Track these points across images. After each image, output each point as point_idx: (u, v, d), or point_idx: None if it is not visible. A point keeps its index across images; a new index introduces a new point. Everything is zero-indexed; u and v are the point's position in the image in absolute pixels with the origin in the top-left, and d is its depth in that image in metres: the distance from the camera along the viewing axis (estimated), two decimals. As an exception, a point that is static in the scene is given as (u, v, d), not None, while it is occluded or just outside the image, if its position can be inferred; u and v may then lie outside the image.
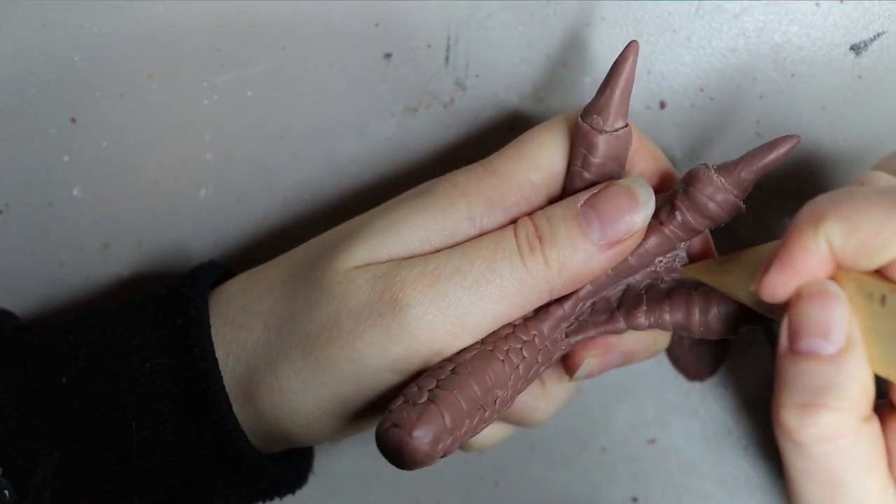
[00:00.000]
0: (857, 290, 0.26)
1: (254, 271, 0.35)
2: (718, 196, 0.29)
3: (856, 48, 0.38)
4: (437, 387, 0.29)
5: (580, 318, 0.32)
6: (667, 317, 0.31)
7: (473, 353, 0.30)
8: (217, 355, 0.32)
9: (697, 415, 0.41)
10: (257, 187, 0.41)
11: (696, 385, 0.41)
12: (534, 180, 0.31)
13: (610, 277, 0.31)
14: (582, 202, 0.30)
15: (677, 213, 0.30)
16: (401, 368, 0.30)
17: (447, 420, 0.28)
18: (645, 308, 0.31)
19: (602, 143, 0.30)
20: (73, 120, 0.40)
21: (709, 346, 0.40)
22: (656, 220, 0.30)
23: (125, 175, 0.40)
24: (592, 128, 0.30)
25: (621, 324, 0.32)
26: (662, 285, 0.32)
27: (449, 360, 0.30)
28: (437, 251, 0.31)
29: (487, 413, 0.30)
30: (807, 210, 0.26)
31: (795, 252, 0.26)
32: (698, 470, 0.41)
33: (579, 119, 0.30)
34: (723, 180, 0.29)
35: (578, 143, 0.31)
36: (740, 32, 0.38)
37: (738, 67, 0.38)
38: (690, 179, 0.30)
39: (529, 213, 0.31)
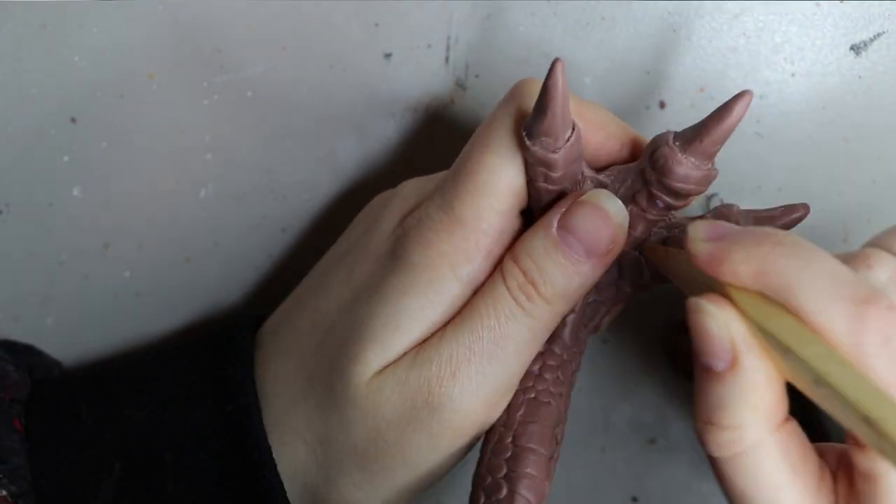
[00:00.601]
0: (762, 336, 0.25)
1: (267, 355, 0.34)
2: (692, 177, 0.29)
3: (856, 48, 0.38)
4: (509, 470, 0.30)
5: (589, 301, 0.32)
6: None
7: (522, 409, 0.31)
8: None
9: (697, 415, 0.41)
10: (257, 187, 0.41)
11: (696, 385, 0.41)
12: (499, 209, 0.30)
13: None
14: (556, 226, 0.30)
15: (657, 200, 0.30)
16: (454, 452, 0.31)
17: (532, 499, 0.29)
18: (648, 273, 0.32)
19: (560, 159, 0.29)
20: (73, 120, 0.40)
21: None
22: (638, 209, 0.30)
23: (125, 175, 0.40)
24: (546, 150, 0.29)
25: (628, 291, 0.32)
26: (654, 238, 0.32)
27: (504, 426, 0.31)
28: (444, 328, 0.30)
29: (556, 454, 0.31)
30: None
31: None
32: (698, 470, 0.41)
33: (529, 143, 0.29)
34: (692, 160, 0.29)
35: (535, 163, 0.30)
36: (740, 32, 0.38)
37: (738, 67, 0.38)
38: (660, 168, 0.29)
39: (508, 244, 0.31)
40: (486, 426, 0.31)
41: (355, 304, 0.32)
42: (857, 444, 0.25)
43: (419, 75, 0.39)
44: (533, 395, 0.31)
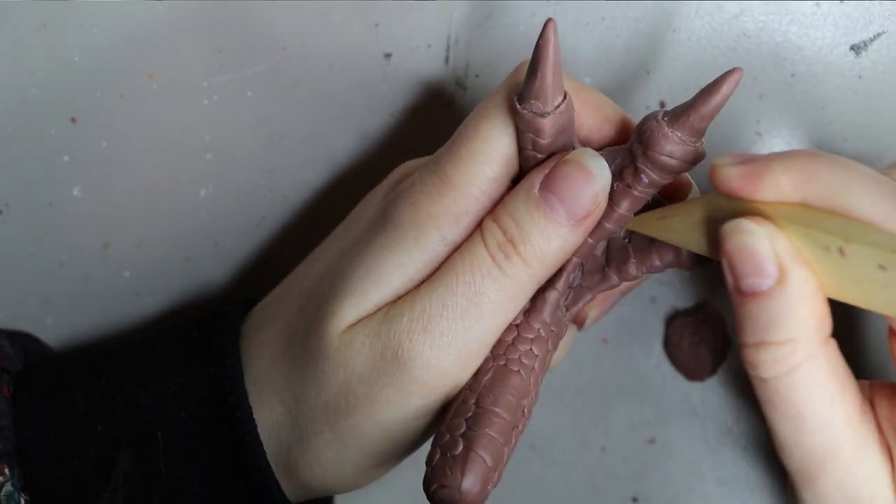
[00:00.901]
0: (811, 243, 0.26)
1: (255, 325, 0.34)
2: (678, 151, 0.29)
3: (856, 48, 0.38)
4: (467, 429, 0.29)
5: (574, 286, 0.32)
6: (657, 262, 0.31)
7: (489, 374, 0.30)
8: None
9: (697, 415, 0.41)
10: (257, 187, 0.41)
11: (696, 385, 0.41)
12: (491, 176, 0.31)
13: (591, 244, 0.31)
14: (538, 187, 0.30)
15: (642, 175, 0.29)
16: (425, 412, 0.31)
17: (488, 460, 0.29)
18: (634, 260, 0.31)
19: (549, 125, 0.29)
20: (73, 120, 0.40)
21: (709, 346, 0.40)
22: (623, 184, 0.30)
23: (125, 175, 0.40)
24: (535, 113, 0.29)
25: (614, 280, 0.32)
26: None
27: (469, 388, 0.30)
28: (419, 284, 0.31)
29: (521, 426, 0.30)
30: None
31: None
32: (698, 470, 0.41)
33: (519, 107, 0.29)
34: (678, 134, 0.29)
35: (524, 128, 0.30)
36: (740, 32, 0.38)
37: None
38: (646, 140, 0.29)
39: (493, 207, 0.31)
40: (458, 388, 0.30)
41: (340, 263, 0.32)
42: None
43: (419, 75, 0.39)
44: (503, 363, 0.30)
